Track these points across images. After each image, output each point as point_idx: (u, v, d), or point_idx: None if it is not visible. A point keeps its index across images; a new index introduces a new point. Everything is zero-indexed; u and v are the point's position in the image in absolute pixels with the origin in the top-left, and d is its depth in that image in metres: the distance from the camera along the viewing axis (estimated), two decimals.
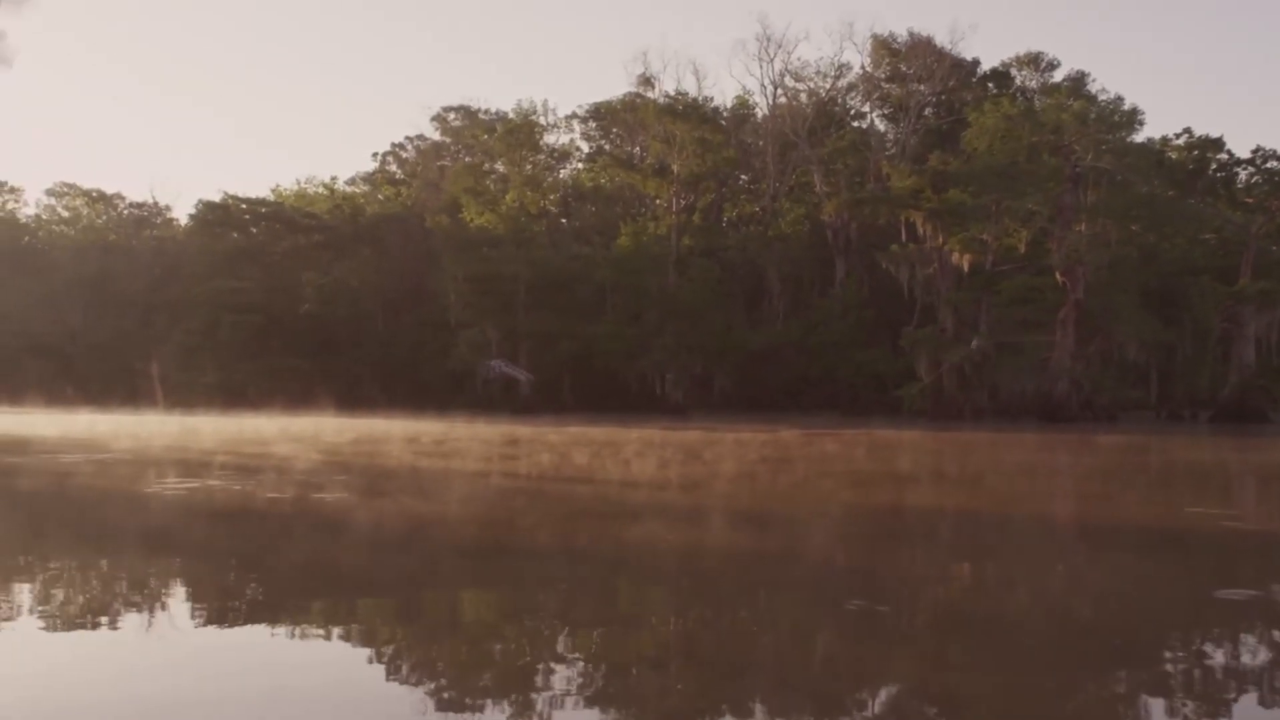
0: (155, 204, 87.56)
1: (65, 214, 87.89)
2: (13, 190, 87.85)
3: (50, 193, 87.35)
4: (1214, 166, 59.83)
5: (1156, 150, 58.32)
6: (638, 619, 7.03)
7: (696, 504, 13.80)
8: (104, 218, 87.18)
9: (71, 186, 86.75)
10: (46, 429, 36.69)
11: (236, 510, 12.58)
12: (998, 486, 17.15)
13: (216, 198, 75.75)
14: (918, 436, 33.19)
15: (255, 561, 9.10)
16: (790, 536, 10.94)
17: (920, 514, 13.21)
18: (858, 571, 8.69)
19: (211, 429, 37.18)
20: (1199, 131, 59.82)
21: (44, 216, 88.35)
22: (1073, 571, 9.00)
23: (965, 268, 52.11)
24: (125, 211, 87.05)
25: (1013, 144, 52.76)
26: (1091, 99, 59.66)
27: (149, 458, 21.80)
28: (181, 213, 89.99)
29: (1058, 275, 51.07)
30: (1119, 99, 60.08)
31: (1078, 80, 67.18)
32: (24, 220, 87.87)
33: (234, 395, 63.19)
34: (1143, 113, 54.66)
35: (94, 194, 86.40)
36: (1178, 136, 60.45)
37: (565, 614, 6.99)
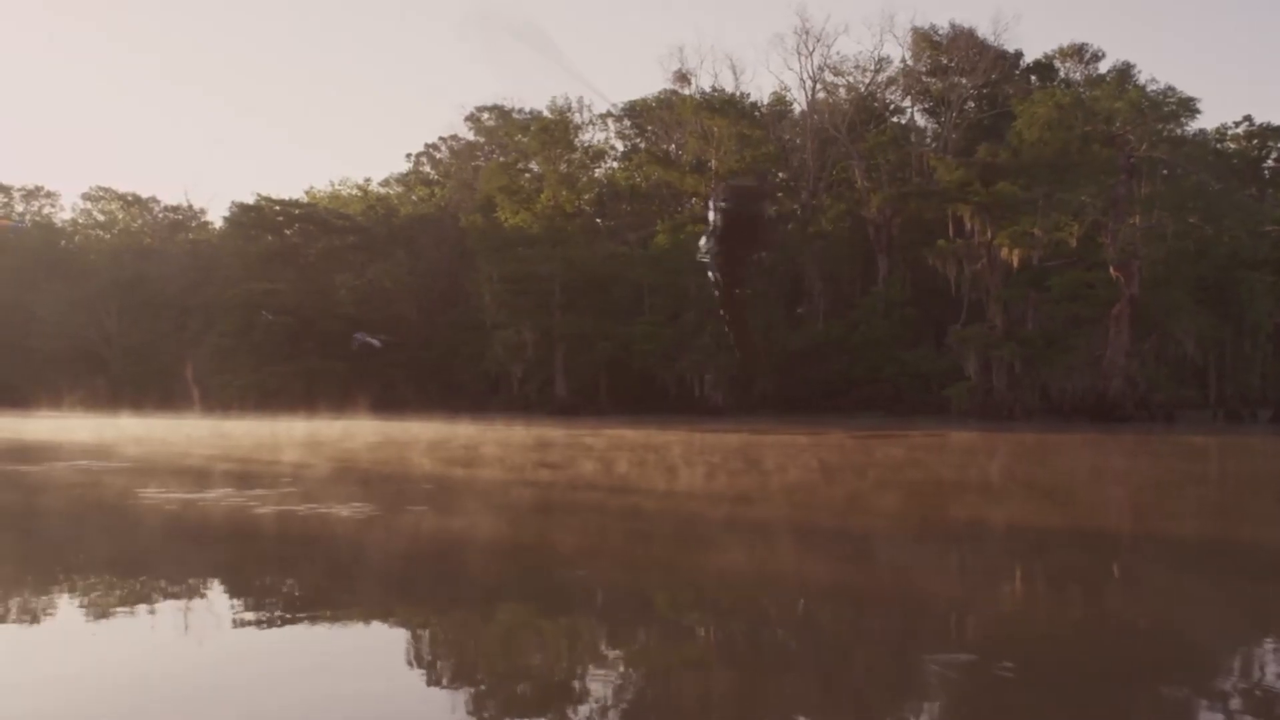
0: (190, 207, 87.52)
1: (101, 218, 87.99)
2: (49, 195, 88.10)
3: (86, 197, 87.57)
4: (1275, 155, 57.57)
5: (1214, 139, 56.19)
6: (701, 687, 5.74)
7: (758, 521, 12.37)
8: (139, 221, 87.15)
9: (107, 190, 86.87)
10: (76, 433, 35.92)
11: (212, 528, 11.35)
12: (1092, 498, 15.47)
13: (250, 200, 75.42)
14: (976, 438, 31.61)
15: (192, 598, 7.83)
16: (874, 565, 9.49)
17: (1016, 534, 11.59)
18: (961, 613, 7.32)
19: (242, 432, 36.28)
20: (1259, 120, 57.61)
21: (80, 221, 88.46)
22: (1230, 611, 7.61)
23: (1014, 263, 50.35)
24: (160, 215, 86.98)
25: (1064, 134, 50.85)
26: (1141, 89, 57.66)
27: (154, 465, 20.66)
28: (216, 215, 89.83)
29: (1111, 270, 49.23)
30: (1170, 89, 58.06)
31: (1123, 72, 65.05)
32: (60, 225, 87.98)
33: (268, 397, 62.56)
34: (1199, 100, 52.54)
35: (129, 198, 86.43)
36: (1236, 125, 58.26)
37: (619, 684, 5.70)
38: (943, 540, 10.90)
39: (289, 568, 8.99)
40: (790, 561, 9.40)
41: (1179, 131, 54.09)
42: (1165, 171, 52.44)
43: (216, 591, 7.96)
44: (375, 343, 57.13)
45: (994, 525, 12.25)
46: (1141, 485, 18.07)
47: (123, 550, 9.97)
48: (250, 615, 6.98)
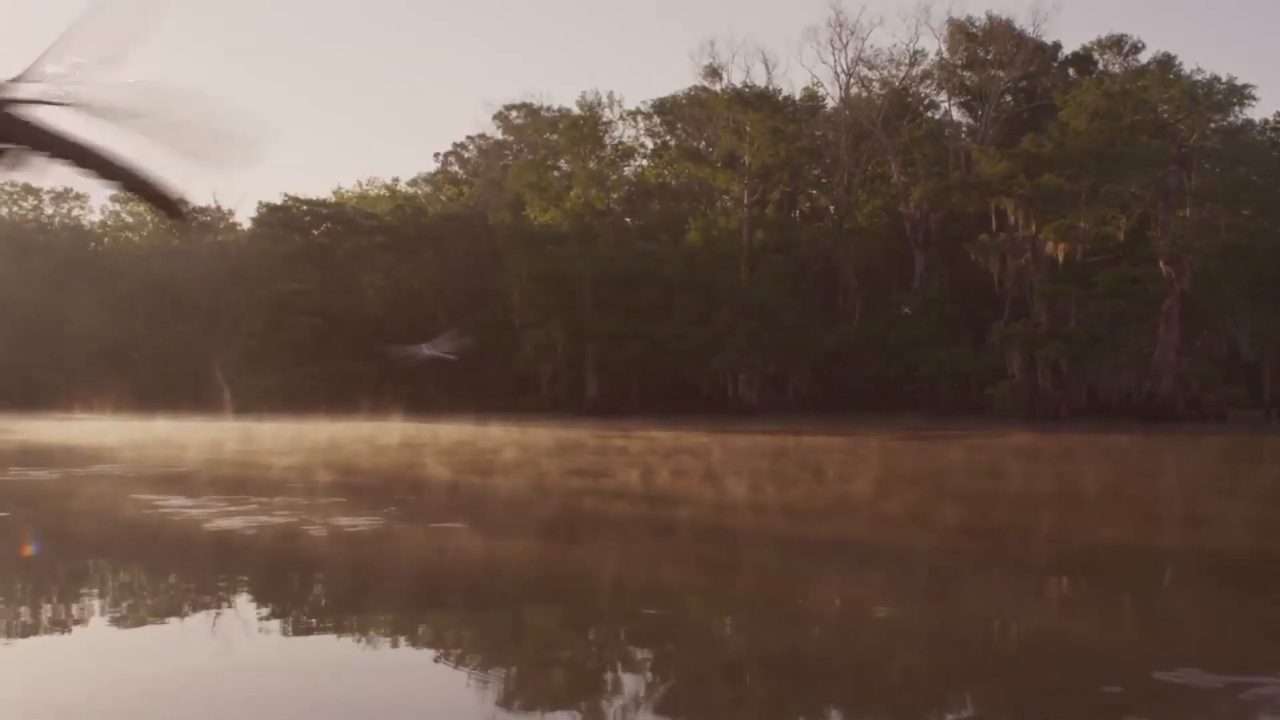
0: (218, 208, 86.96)
1: (129, 220, 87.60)
2: (77, 197, 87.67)
3: (115, 199, 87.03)
4: None
5: (1271, 128, 54.17)
6: None
7: (830, 543, 10.79)
8: (167, 223, 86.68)
9: None
10: (104, 436, 35.08)
11: (167, 544, 10.20)
12: (1203, 511, 13.64)
13: (278, 200, 74.78)
14: (1036, 440, 30.05)
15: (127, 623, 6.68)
16: (991, 604, 7.88)
17: (1147, 561, 9.82)
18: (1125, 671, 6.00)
19: (267, 436, 35.30)
20: None
21: (109, 223, 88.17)
22: None
23: (1060, 258, 48.73)
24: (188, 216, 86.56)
25: (1111, 124, 49.10)
26: (1187, 78, 55.84)
27: (143, 472, 19.44)
28: (244, 216, 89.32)
29: (1161, 264, 47.48)
30: (1216, 78, 56.21)
31: (1164, 63, 63.18)
32: (89, 227, 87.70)
33: (296, 399, 61.80)
34: (1255, 87, 50.55)
35: None
36: None
37: None
38: (1062, 569, 9.23)
39: (223, 622, 7.56)
40: (888, 600, 7.92)
41: (1227, 121, 52.29)
42: (1207, 163, 50.67)
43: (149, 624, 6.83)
44: (448, 355, 54.67)
45: (1113, 550, 10.40)
46: (1250, 496, 16.21)
47: (93, 563, 8.89)
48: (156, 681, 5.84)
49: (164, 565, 9.25)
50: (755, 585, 8.20)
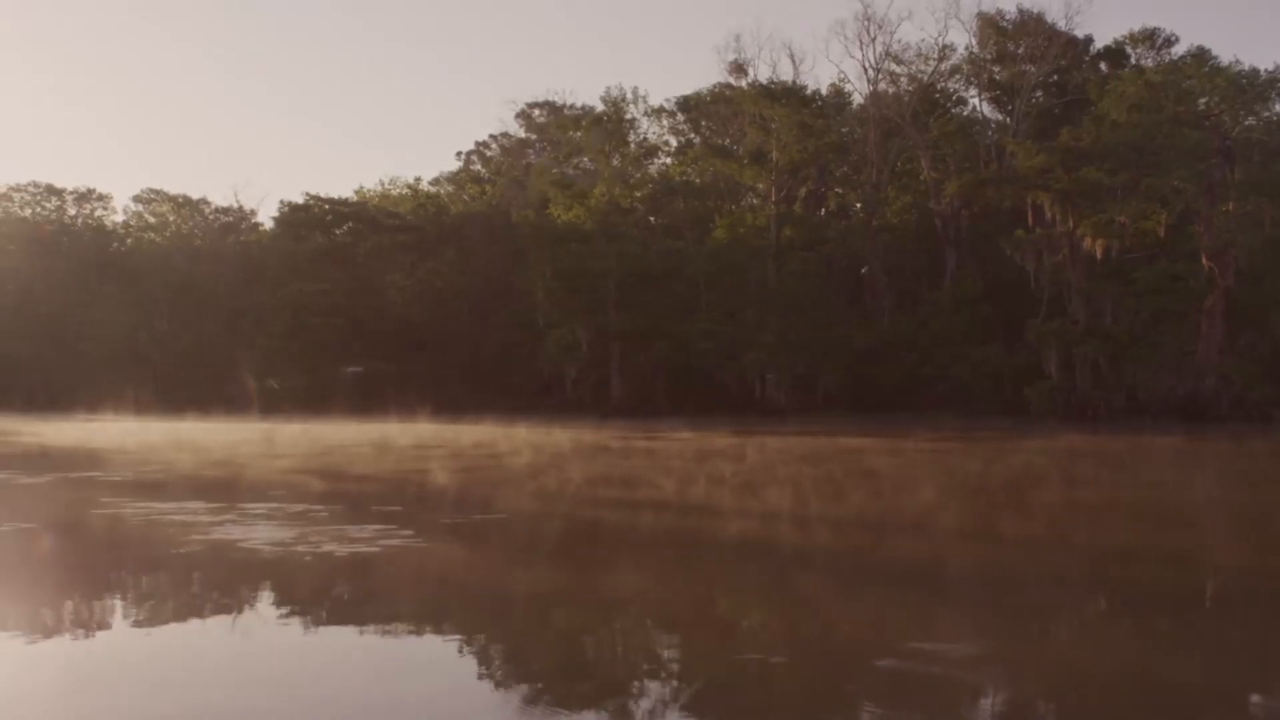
0: (240, 208, 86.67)
1: (152, 220, 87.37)
2: (101, 198, 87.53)
3: (137, 199, 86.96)
4: None
5: None
6: None
7: (899, 563, 9.60)
8: (190, 223, 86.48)
9: (158, 193, 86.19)
10: (120, 438, 34.43)
11: (137, 559, 9.32)
12: None
13: (299, 199, 74.37)
14: (1085, 442, 28.79)
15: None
16: (1114, 657, 6.80)
17: None
18: None
19: (290, 437, 34.52)
20: None
21: (132, 223, 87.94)
22: None
23: (1098, 254, 47.41)
24: (211, 216, 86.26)
25: (1152, 116, 47.74)
26: (1226, 70, 54.37)
27: (130, 477, 18.61)
28: (266, 216, 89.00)
29: (1204, 260, 46.10)
30: (1255, 70, 54.69)
31: (1199, 57, 61.66)
32: (111, 227, 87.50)
33: (318, 399, 61.25)
34: None
35: (180, 199, 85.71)
36: None
37: None
38: (1177, 599, 8.02)
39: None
40: (975, 638, 6.87)
41: (1270, 113, 50.87)
42: (1250, 156, 49.22)
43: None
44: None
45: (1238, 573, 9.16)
46: None
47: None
48: None
49: (126, 580, 8.44)
50: (819, 619, 7.23)
